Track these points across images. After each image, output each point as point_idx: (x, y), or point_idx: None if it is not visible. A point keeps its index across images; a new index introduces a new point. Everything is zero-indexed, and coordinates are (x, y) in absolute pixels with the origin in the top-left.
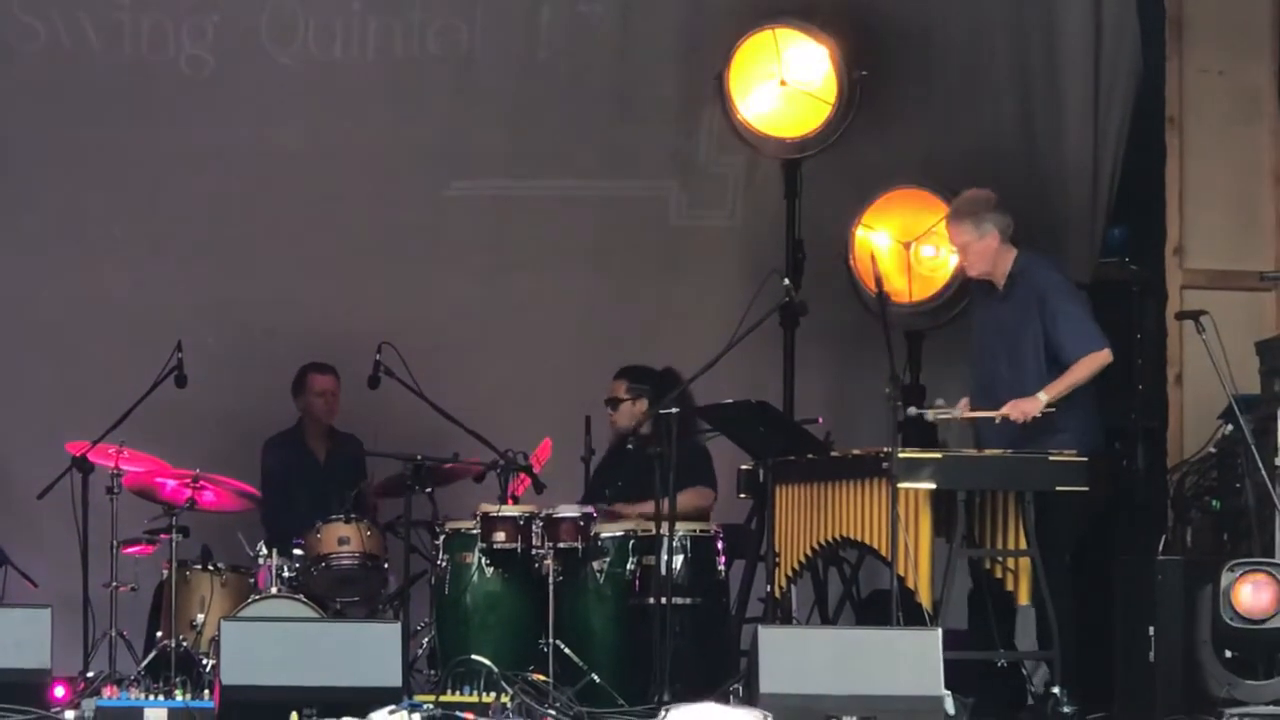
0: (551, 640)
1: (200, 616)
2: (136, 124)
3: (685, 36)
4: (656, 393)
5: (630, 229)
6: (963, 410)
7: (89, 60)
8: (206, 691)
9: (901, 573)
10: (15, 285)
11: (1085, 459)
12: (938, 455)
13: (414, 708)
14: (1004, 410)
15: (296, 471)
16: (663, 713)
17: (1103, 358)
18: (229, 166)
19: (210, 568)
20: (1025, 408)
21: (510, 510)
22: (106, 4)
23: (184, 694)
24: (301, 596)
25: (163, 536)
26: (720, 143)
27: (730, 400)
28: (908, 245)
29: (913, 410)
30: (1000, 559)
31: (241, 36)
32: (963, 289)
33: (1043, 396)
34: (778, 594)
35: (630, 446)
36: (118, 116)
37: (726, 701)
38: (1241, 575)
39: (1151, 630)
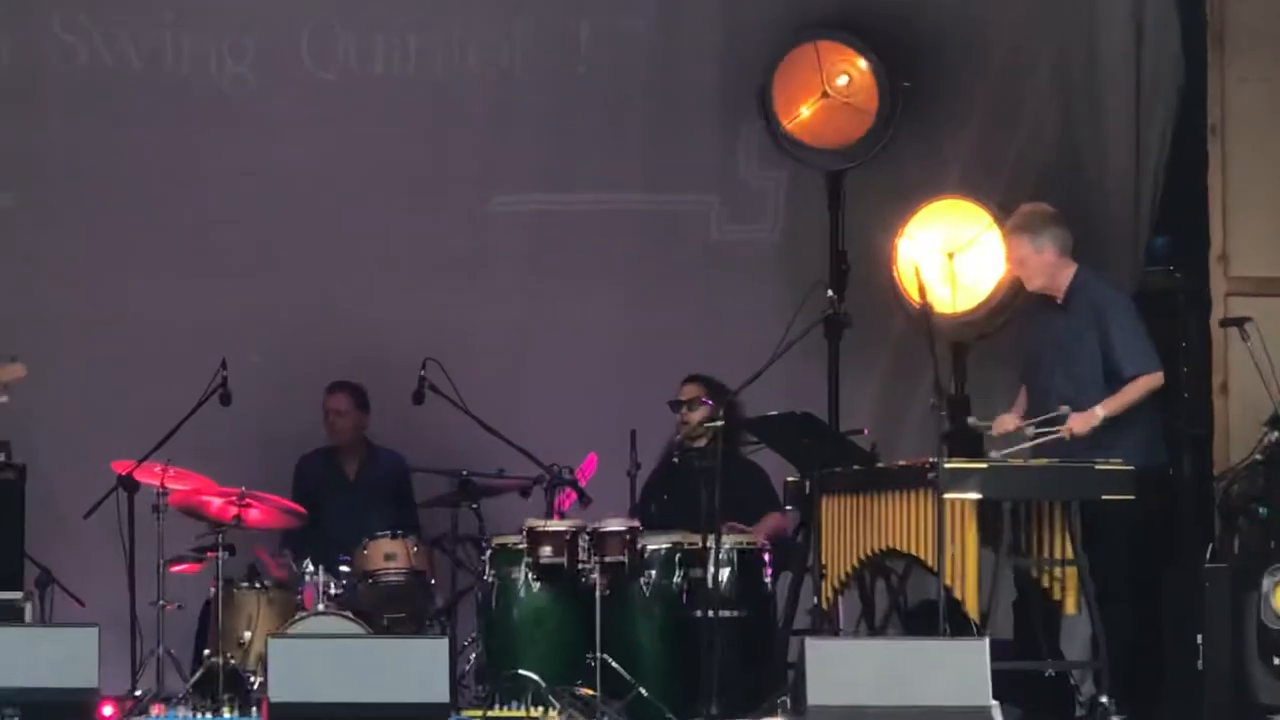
0: (599, 654)
1: (247, 634)
2: (178, 142)
3: (726, 50)
4: (714, 403)
5: (672, 243)
6: (1013, 419)
7: (130, 79)
8: (254, 709)
9: (948, 583)
10: (56, 304)
11: (1131, 468)
12: (983, 465)
13: None
14: (1067, 425)
15: (326, 488)
16: None
17: (1157, 379)
18: (270, 184)
19: (257, 585)
20: (1084, 422)
21: (557, 525)
22: (148, 23)
23: (232, 711)
24: (349, 613)
25: (209, 554)
26: (762, 156)
27: (775, 412)
28: (951, 256)
29: (972, 421)
30: (1047, 568)
31: (282, 54)
32: (1007, 300)
33: (1100, 412)
34: (825, 605)
35: (676, 460)
36: (159, 135)
37: (774, 714)
38: None
39: (1199, 638)
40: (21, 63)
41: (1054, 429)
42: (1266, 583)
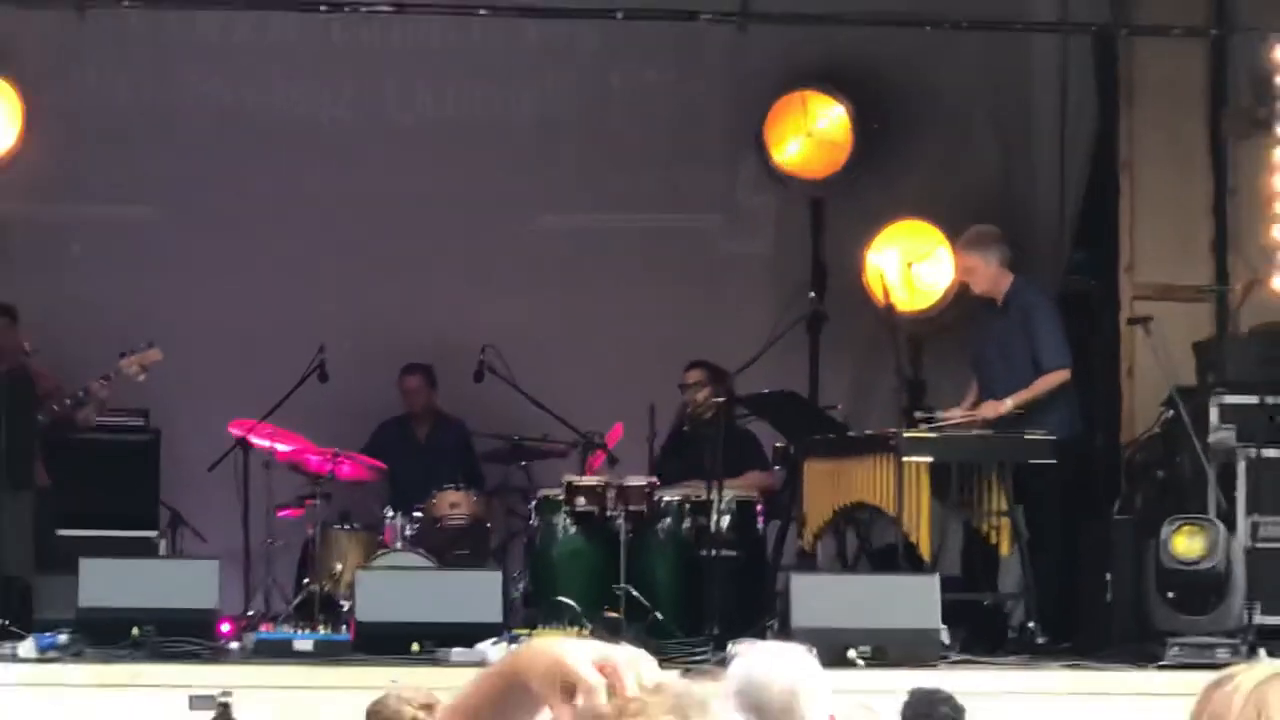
0: (623, 585)
1: (339, 566)
2: (286, 169)
3: (729, 97)
4: (720, 383)
5: (682, 255)
6: (958, 413)
7: (248, 117)
8: (344, 626)
9: (906, 530)
10: (191, 301)
11: (1053, 438)
12: (934, 435)
13: (512, 639)
14: (980, 412)
15: (399, 449)
16: (729, 648)
17: (1064, 375)
18: (360, 205)
19: (348, 527)
20: (993, 409)
21: (589, 480)
22: (263, 73)
23: (326, 628)
24: (421, 550)
25: (309, 502)
26: (757, 184)
27: (767, 390)
28: (910, 265)
29: (918, 414)
30: (986, 518)
31: (371, 100)
32: (955, 301)
33: (1009, 402)
34: (806, 548)
35: (686, 429)
36: (270, 162)
37: (764, 636)
38: (1177, 527)
39: (1108, 577)
40: (164, 103)
41: (973, 417)
42: (1165, 531)
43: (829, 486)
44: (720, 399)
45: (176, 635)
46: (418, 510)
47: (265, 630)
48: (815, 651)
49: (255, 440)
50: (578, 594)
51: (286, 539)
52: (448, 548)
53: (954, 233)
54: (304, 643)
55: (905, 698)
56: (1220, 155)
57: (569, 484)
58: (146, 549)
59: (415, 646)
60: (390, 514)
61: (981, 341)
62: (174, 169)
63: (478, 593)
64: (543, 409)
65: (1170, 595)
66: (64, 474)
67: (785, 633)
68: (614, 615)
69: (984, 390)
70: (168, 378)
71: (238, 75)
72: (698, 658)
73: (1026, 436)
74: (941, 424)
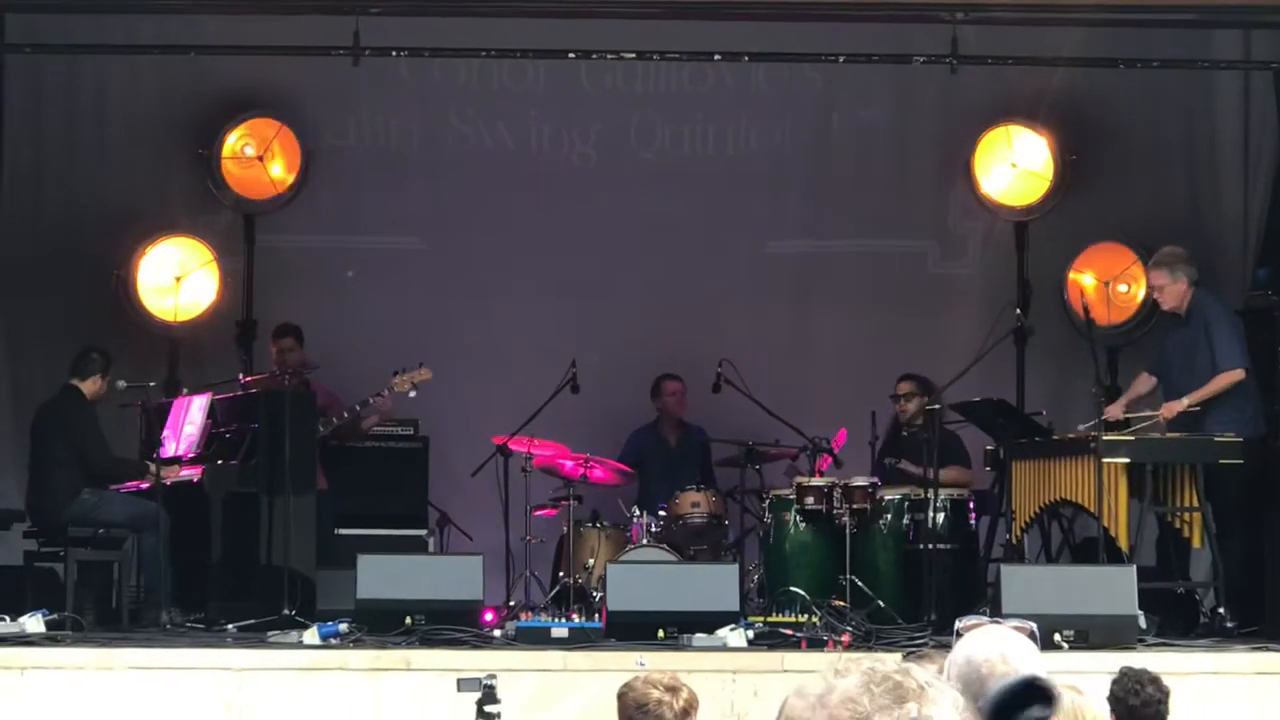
0: (849, 576)
1: (591, 561)
2: (540, 202)
3: (940, 132)
4: (928, 392)
5: (898, 277)
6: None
7: (506, 155)
8: (596, 615)
9: (1105, 524)
10: (456, 323)
11: (1241, 439)
12: (1131, 438)
13: (748, 626)
14: (1160, 412)
15: (653, 453)
16: (956, 626)
17: (1236, 375)
18: (609, 235)
19: (598, 525)
20: (1172, 409)
21: (817, 481)
22: (519, 115)
23: (580, 617)
24: (665, 546)
25: (563, 502)
26: (966, 210)
27: (978, 399)
28: (1107, 283)
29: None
30: (1179, 513)
31: (616, 139)
32: (1148, 316)
33: (1185, 401)
34: (1014, 541)
35: (905, 434)
36: (526, 196)
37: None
38: None
39: None
40: (428, 144)
41: (1153, 416)
42: None
43: (1035, 485)
44: (934, 406)
45: (445, 624)
46: (662, 509)
47: (525, 619)
48: (1036, 630)
49: (514, 448)
50: (807, 584)
51: (543, 536)
52: (689, 543)
53: (1146, 254)
54: (560, 630)
55: (1115, 676)
56: None
57: (799, 484)
58: (418, 546)
59: (660, 633)
60: (636, 513)
61: (1166, 349)
62: (439, 203)
63: (716, 584)
64: (775, 417)
65: None
66: (342, 479)
67: (998, 619)
68: (840, 604)
69: (1168, 393)
70: (435, 391)
71: (495, 117)
72: (917, 641)
73: (1216, 439)
74: (1122, 420)
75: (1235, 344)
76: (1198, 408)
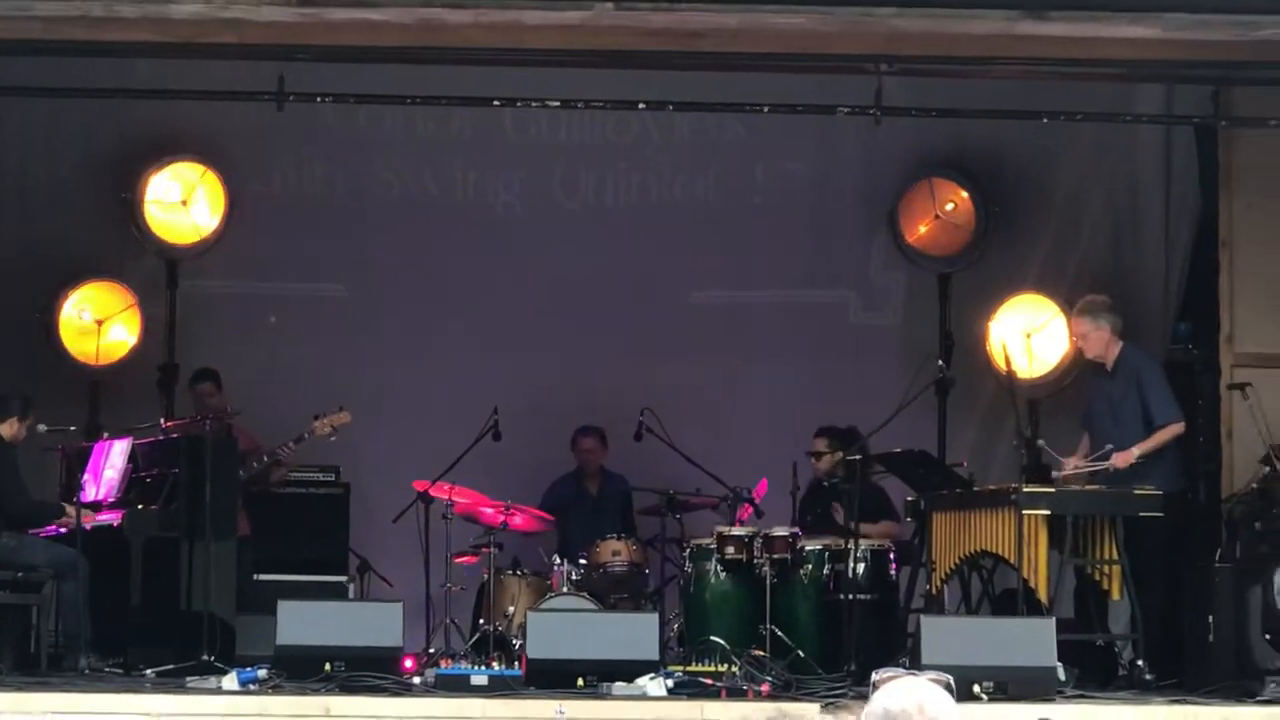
0: (769, 626)
1: (512, 608)
2: (464, 250)
3: (863, 184)
4: (845, 445)
5: (820, 327)
6: (1075, 461)
7: (430, 203)
8: (516, 663)
9: (1025, 576)
10: (372, 367)
11: (1160, 493)
12: (1052, 490)
13: (668, 675)
14: (1111, 461)
15: (573, 502)
16: (873, 678)
17: (1180, 427)
18: (529, 282)
19: (519, 573)
20: (1124, 459)
21: (738, 530)
22: (444, 163)
23: (500, 664)
24: (586, 594)
25: (484, 550)
26: (888, 262)
27: (899, 449)
28: (1029, 335)
29: (1042, 444)
30: (1098, 565)
31: (540, 189)
32: (1069, 369)
33: (1136, 451)
34: (934, 592)
35: (825, 484)
36: (450, 244)
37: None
38: None
39: (1211, 619)
40: (352, 190)
41: (1104, 464)
42: (1279, 578)
43: (955, 536)
44: (854, 458)
45: (365, 670)
46: (582, 557)
47: (445, 666)
48: (952, 682)
49: (435, 495)
50: (727, 634)
51: (464, 584)
52: (609, 591)
53: (1069, 305)
54: (480, 678)
55: None
56: None
57: (719, 534)
58: (338, 592)
59: (580, 681)
60: (557, 561)
61: (1092, 402)
62: (362, 250)
63: (636, 632)
64: (696, 466)
65: (1268, 637)
66: (263, 524)
67: (915, 669)
68: (760, 653)
69: (1094, 446)
70: (356, 437)
71: (421, 165)
72: (836, 692)
73: (1136, 491)
74: (1063, 475)
75: (1170, 397)
76: (1144, 459)
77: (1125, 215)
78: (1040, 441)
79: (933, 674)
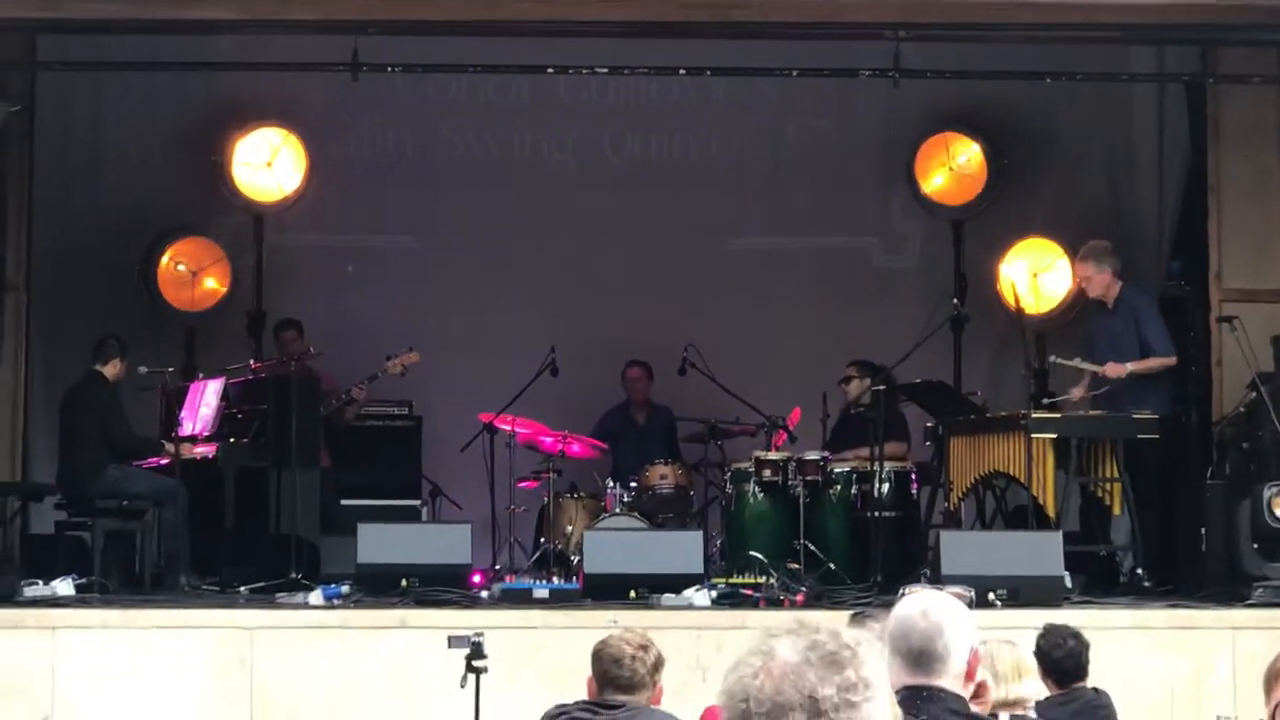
0: (802, 541)
1: (570, 528)
2: (520, 205)
3: (884, 139)
4: (873, 375)
5: (845, 270)
6: (1079, 391)
7: (491, 162)
8: (574, 577)
9: (1034, 494)
10: (444, 313)
11: (1157, 417)
12: (1058, 416)
13: (711, 587)
14: (1104, 369)
15: (622, 431)
16: (900, 592)
17: (1171, 360)
18: (584, 234)
19: (576, 495)
20: (1116, 369)
21: (773, 455)
22: (504, 125)
23: (560, 579)
24: (636, 514)
25: (544, 475)
26: (907, 211)
27: (919, 380)
28: (1036, 275)
29: (1045, 401)
30: (1101, 483)
31: (590, 147)
32: (1073, 305)
33: (1129, 366)
34: (952, 509)
35: (854, 412)
36: (508, 200)
37: (919, 581)
38: (1277, 491)
39: (1203, 531)
40: (420, 151)
41: (1099, 371)
42: (1267, 493)
43: (970, 458)
44: (880, 387)
45: (437, 586)
46: (633, 481)
47: (509, 581)
48: (973, 593)
49: (499, 425)
50: (764, 549)
51: (526, 506)
52: (657, 512)
53: (1072, 247)
54: (541, 591)
55: (1040, 631)
56: None
57: (757, 458)
58: (412, 515)
59: (632, 594)
60: (610, 484)
61: (1095, 337)
62: (431, 205)
63: (683, 549)
64: (735, 397)
65: (1256, 546)
66: (345, 454)
67: (936, 580)
68: (795, 566)
69: (1093, 380)
70: (426, 375)
71: (482, 128)
72: (864, 600)
73: (1134, 416)
74: (1063, 402)
75: (1165, 333)
76: (1136, 374)
77: (1122, 165)
78: (1056, 358)
79: (957, 588)
